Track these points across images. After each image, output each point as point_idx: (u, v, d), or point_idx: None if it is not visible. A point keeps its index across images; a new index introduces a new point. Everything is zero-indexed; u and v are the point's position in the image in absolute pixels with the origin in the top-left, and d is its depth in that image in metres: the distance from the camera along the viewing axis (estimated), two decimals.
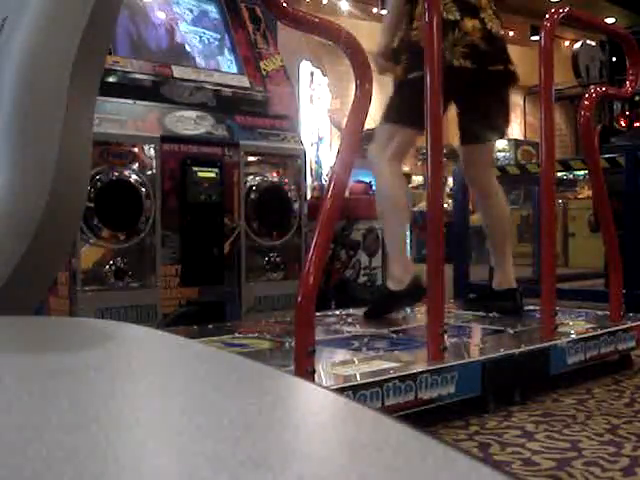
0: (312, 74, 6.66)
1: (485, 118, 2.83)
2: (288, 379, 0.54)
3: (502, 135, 3.09)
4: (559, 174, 4.31)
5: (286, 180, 3.14)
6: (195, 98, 2.94)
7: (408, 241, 4.14)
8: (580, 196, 8.19)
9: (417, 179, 9.90)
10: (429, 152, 1.97)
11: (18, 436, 0.36)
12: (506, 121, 2.96)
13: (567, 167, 4.41)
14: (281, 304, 3.03)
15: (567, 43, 13.36)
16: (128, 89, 2.74)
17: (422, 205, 6.08)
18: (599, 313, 2.81)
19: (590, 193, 5.50)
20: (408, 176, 8.40)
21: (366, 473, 0.32)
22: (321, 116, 6.82)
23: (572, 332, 2.43)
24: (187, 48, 3.10)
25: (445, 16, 2.54)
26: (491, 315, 2.77)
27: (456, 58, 2.63)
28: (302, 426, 0.42)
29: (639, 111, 5.71)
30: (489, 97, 2.80)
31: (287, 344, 2.12)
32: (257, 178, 3.05)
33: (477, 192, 3.09)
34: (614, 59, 5.65)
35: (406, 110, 2.62)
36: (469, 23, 2.68)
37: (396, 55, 2.77)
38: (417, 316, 2.81)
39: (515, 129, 14.88)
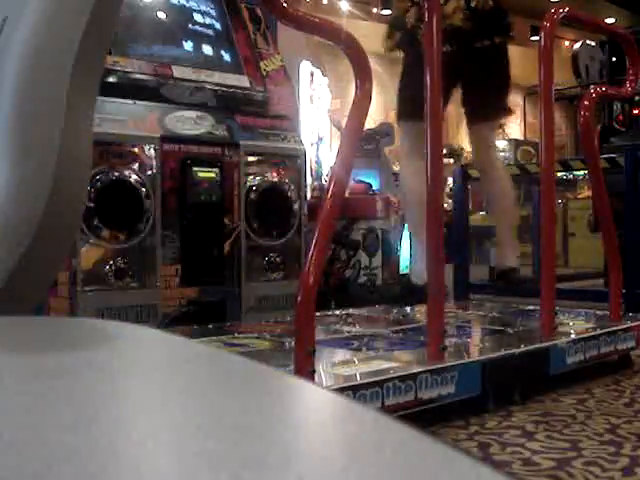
0: (312, 74, 6.64)
1: (482, 97, 2.87)
2: (288, 379, 0.54)
3: (504, 110, 3.13)
4: (559, 174, 4.31)
5: (286, 180, 3.14)
6: (195, 98, 2.94)
7: (408, 241, 4.15)
8: (580, 196, 8.19)
9: None
10: (429, 152, 1.97)
11: (18, 436, 0.36)
12: (505, 95, 3.01)
13: (567, 167, 4.40)
14: (281, 304, 3.02)
15: (567, 43, 13.34)
16: (128, 89, 2.73)
17: None
18: (599, 313, 2.81)
19: (590, 193, 5.50)
20: None
21: (366, 473, 0.32)
22: (321, 116, 6.79)
23: (572, 332, 2.43)
24: (187, 48, 3.10)
25: None
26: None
27: None
28: (302, 426, 0.42)
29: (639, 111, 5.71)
30: (481, 75, 2.83)
31: (287, 344, 2.12)
32: (257, 178, 3.05)
33: (479, 170, 3.22)
34: (614, 59, 5.65)
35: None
36: (451, 6, 2.69)
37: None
38: (417, 316, 2.81)
39: (515, 129, 14.87)
